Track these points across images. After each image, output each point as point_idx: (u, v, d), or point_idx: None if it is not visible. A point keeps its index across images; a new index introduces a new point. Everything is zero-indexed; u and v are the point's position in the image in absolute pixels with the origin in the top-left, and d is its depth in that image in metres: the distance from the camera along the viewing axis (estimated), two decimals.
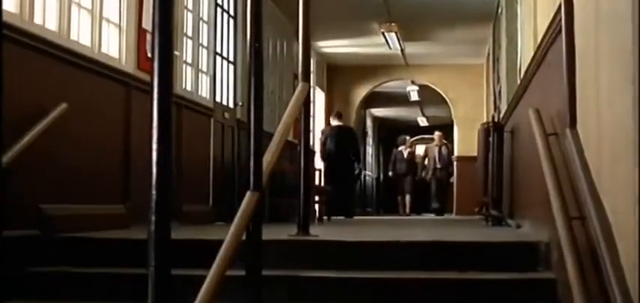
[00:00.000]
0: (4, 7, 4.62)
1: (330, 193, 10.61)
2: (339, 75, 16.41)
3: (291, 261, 4.33)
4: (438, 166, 16.02)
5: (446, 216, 14.94)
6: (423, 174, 16.48)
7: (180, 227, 6.29)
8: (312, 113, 9.30)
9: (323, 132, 12.72)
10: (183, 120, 7.36)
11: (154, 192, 2.06)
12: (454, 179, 16.35)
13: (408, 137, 18.13)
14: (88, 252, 4.68)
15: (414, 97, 18.87)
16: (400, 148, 17.62)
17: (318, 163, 12.14)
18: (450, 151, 16.46)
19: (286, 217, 8.90)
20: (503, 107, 9.17)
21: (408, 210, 17.05)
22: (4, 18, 4.48)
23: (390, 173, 18.14)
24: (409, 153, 17.45)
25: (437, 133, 16.45)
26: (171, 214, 2.12)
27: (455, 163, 16.25)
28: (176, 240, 2.19)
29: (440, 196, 16.00)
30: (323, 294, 4.04)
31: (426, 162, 16.43)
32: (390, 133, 23.50)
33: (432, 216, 15.32)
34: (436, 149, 16.14)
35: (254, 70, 3.54)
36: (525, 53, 6.61)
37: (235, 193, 8.63)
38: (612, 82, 2.76)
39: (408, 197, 17.20)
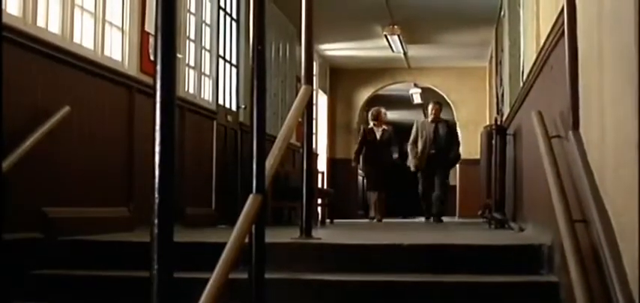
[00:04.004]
0: (7, 10, 4.64)
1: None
2: (342, 78, 16.40)
3: (293, 264, 4.33)
4: (433, 151, 11.09)
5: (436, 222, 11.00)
6: (412, 160, 11.22)
7: (183, 230, 6.29)
8: (314, 116, 9.29)
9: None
10: (186, 123, 7.36)
11: (156, 195, 2.06)
12: (457, 181, 15.90)
13: (382, 109, 12.31)
14: (91, 255, 4.68)
15: (417, 99, 18.83)
16: (371, 125, 12.03)
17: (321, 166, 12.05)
18: (454, 129, 12.06)
19: (289, 220, 8.92)
20: (506, 110, 9.16)
21: (372, 212, 11.92)
22: (7, 21, 4.50)
23: (353, 163, 12.27)
24: (383, 130, 11.87)
25: (431, 105, 11.51)
26: (174, 217, 2.12)
27: (457, 164, 15.92)
28: (179, 243, 2.19)
29: (428, 192, 11.17)
30: (326, 297, 4.04)
31: (415, 145, 11.26)
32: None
33: (421, 220, 11.61)
34: (432, 127, 11.19)
35: (257, 72, 3.54)
36: (528, 56, 6.60)
37: (238, 195, 8.63)
38: (615, 84, 2.76)
39: (375, 195, 11.92)
